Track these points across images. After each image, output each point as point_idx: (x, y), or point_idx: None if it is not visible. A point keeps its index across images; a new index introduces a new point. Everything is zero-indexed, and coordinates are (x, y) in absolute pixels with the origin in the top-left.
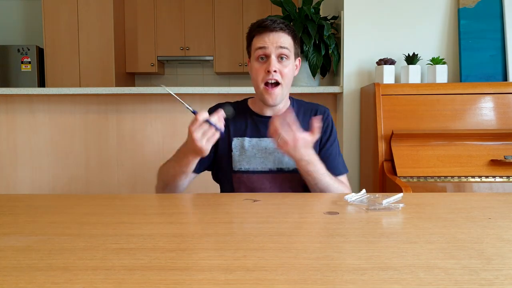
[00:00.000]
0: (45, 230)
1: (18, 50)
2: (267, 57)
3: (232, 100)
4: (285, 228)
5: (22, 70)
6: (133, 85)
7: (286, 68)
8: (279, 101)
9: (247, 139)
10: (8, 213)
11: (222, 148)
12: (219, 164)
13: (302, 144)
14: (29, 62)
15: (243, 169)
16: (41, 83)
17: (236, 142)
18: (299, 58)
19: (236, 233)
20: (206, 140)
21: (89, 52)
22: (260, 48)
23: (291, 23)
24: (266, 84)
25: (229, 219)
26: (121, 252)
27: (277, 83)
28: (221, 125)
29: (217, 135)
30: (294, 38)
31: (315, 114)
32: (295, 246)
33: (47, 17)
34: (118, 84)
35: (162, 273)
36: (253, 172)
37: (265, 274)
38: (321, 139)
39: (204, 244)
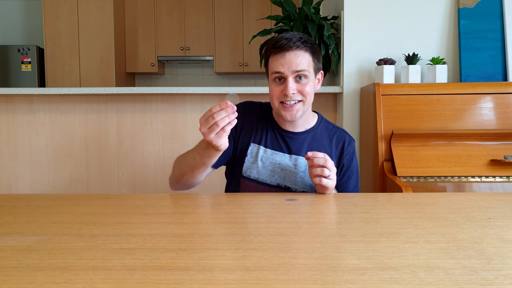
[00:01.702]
0: (45, 230)
1: (18, 50)
2: (284, 79)
3: (241, 101)
4: (285, 228)
5: (22, 70)
6: (133, 85)
7: (306, 86)
8: (298, 117)
9: (262, 148)
10: (8, 213)
11: (239, 150)
12: (232, 164)
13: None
14: (29, 62)
15: (252, 177)
16: (41, 83)
17: (252, 147)
18: (321, 71)
19: (236, 233)
20: (215, 135)
21: (89, 52)
22: (276, 72)
23: (291, 23)
24: (282, 101)
25: (229, 219)
26: (121, 252)
27: (295, 103)
28: (229, 119)
29: (228, 129)
30: (313, 53)
31: (340, 142)
32: (295, 246)
33: (47, 17)
34: (118, 84)
35: (162, 273)
36: (261, 183)
37: (265, 274)
38: (341, 170)
39: (204, 244)
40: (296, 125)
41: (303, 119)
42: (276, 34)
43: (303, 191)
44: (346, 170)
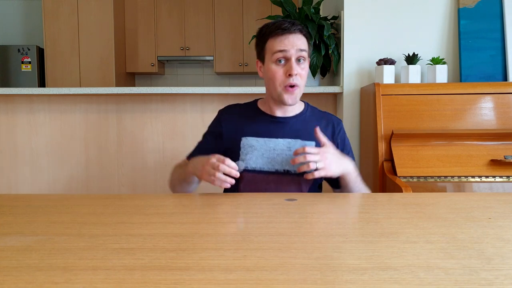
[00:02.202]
0: (45, 230)
1: (18, 50)
2: (286, 60)
3: (240, 101)
4: (285, 228)
5: (22, 70)
6: (133, 85)
7: (304, 70)
8: (297, 102)
9: (254, 139)
10: (8, 213)
11: (230, 148)
12: None
13: (333, 160)
14: (29, 62)
15: (249, 168)
16: (41, 83)
17: (244, 141)
18: (309, 58)
19: (236, 233)
20: (207, 175)
21: (89, 52)
22: (281, 51)
23: None
24: (285, 86)
25: (229, 219)
26: (121, 252)
27: (295, 85)
28: (225, 180)
29: (217, 183)
30: (309, 39)
31: (330, 123)
32: (295, 246)
33: (47, 17)
34: (118, 84)
35: (162, 273)
36: (259, 172)
37: (265, 274)
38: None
39: (204, 244)
40: (286, 110)
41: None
42: None
43: (304, 172)
44: (342, 149)
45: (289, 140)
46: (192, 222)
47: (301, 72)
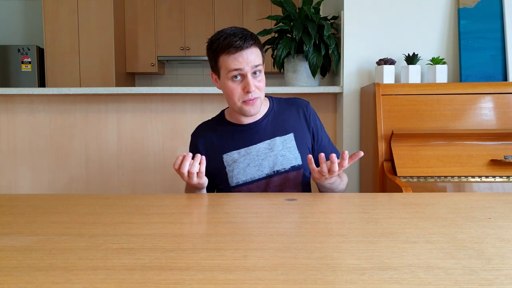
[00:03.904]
0: (45, 230)
1: (18, 50)
2: (242, 76)
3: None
4: (285, 228)
5: (22, 70)
6: (133, 85)
7: (261, 82)
8: (259, 110)
9: (235, 152)
10: (8, 213)
11: (215, 168)
12: (217, 184)
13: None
14: (29, 62)
15: (240, 182)
16: (41, 83)
17: (226, 158)
18: (264, 64)
19: (236, 233)
20: (187, 181)
21: (89, 52)
22: (235, 69)
23: (291, 23)
24: (244, 100)
25: (229, 219)
26: (121, 252)
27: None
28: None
29: (194, 169)
30: (260, 47)
31: (300, 108)
32: (295, 246)
33: (47, 17)
34: (118, 84)
35: (162, 273)
36: (251, 181)
37: (265, 274)
38: (312, 134)
39: (204, 244)
40: (254, 116)
41: None
42: (276, 34)
43: (291, 167)
44: (317, 130)
45: (268, 141)
46: (192, 222)
47: (259, 85)
